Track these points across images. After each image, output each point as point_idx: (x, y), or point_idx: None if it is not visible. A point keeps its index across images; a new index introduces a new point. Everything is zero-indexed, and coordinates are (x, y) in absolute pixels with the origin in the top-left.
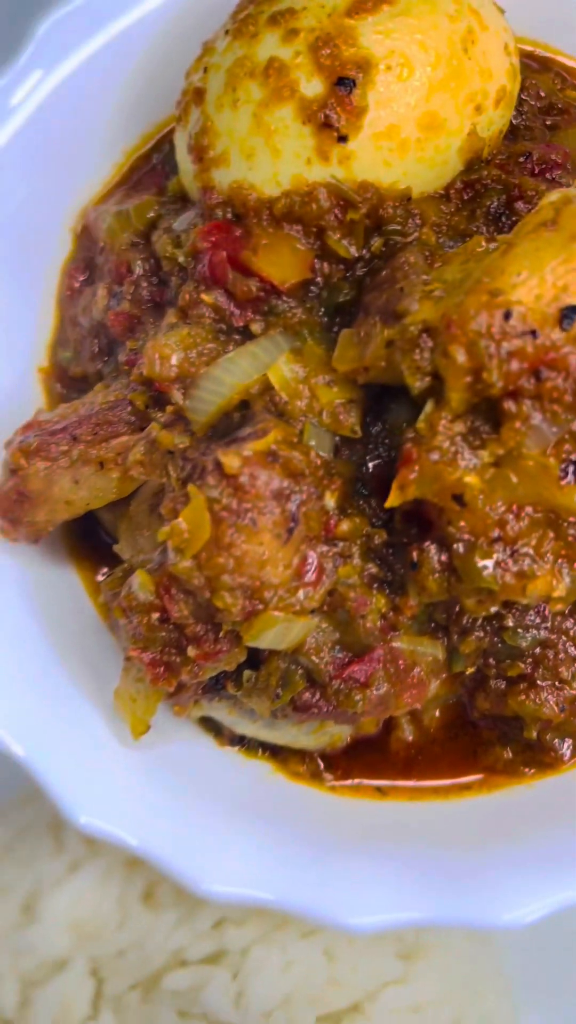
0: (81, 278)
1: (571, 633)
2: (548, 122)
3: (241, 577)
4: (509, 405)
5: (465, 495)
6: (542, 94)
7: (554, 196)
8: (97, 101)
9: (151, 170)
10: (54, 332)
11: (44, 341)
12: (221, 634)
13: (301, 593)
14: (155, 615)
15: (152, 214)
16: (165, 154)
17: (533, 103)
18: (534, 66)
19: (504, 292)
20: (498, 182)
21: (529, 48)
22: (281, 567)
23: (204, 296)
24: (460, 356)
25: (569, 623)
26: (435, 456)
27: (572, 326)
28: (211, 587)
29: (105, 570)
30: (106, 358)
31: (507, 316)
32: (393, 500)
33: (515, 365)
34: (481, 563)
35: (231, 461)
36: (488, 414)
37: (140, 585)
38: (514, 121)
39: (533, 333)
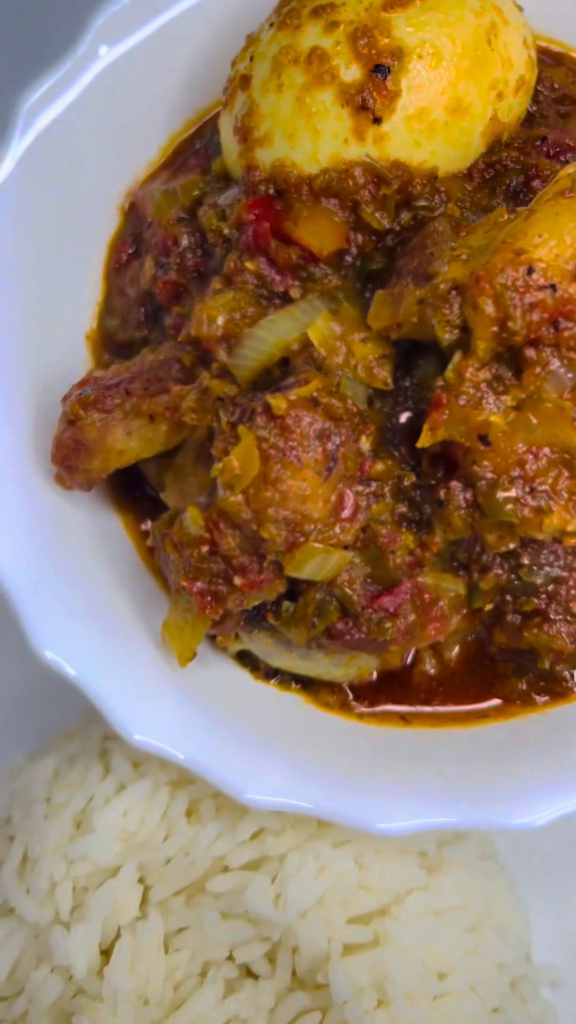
0: (128, 252)
1: None
2: (561, 111)
3: (285, 511)
4: (530, 353)
5: (490, 435)
6: (556, 86)
7: (572, 168)
8: (145, 90)
9: (194, 154)
10: (102, 302)
11: (92, 310)
12: (265, 564)
13: (338, 528)
14: (204, 548)
15: (197, 192)
16: (207, 139)
17: (548, 94)
18: (549, 60)
19: (527, 251)
20: (517, 163)
21: (544, 44)
22: (321, 503)
23: (248, 264)
24: (488, 307)
25: None
26: (463, 400)
27: None
28: (258, 520)
29: (148, 522)
30: (151, 325)
31: (530, 272)
32: (424, 440)
33: (536, 315)
34: (502, 498)
35: (279, 403)
36: (511, 362)
37: (191, 520)
38: (531, 109)
39: (553, 287)
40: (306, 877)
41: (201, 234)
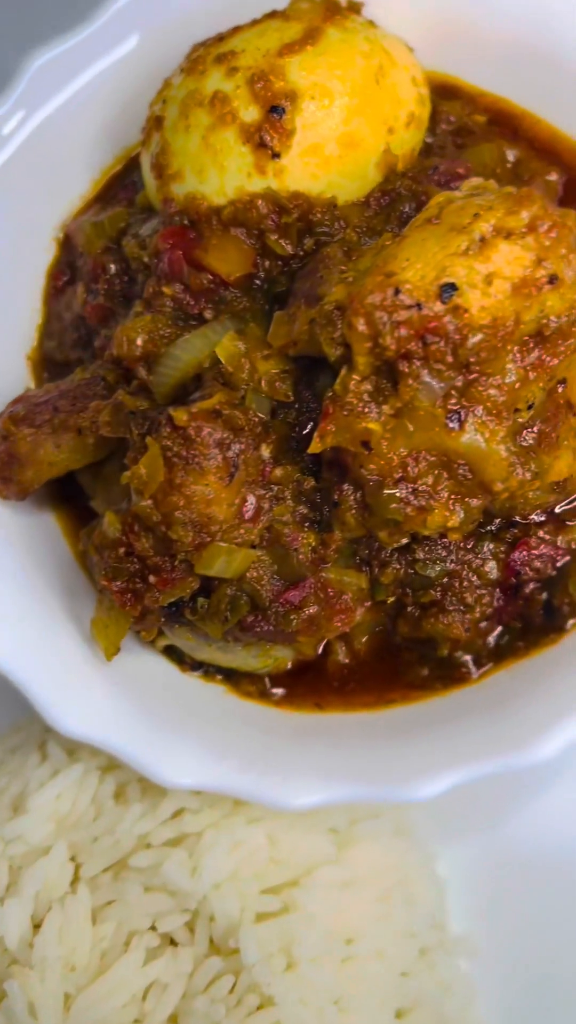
0: (64, 279)
1: (473, 565)
2: (458, 142)
3: (191, 513)
4: (403, 366)
5: (371, 441)
6: (453, 119)
7: (440, 197)
8: (79, 129)
9: (123, 187)
10: (41, 325)
11: (33, 333)
12: (176, 563)
13: (242, 528)
14: (122, 549)
15: (123, 223)
16: (135, 172)
17: (445, 126)
18: (445, 94)
19: (396, 273)
20: (409, 191)
21: (441, 80)
22: (225, 505)
23: (165, 288)
24: (360, 326)
25: (471, 556)
26: (347, 411)
27: (450, 299)
28: (167, 522)
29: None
30: (84, 346)
31: (397, 292)
32: (314, 447)
33: (404, 332)
34: (388, 498)
35: (180, 416)
36: (389, 375)
37: (109, 524)
38: (428, 140)
39: (419, 306)
40: (221, 852)
41: (126, 262)
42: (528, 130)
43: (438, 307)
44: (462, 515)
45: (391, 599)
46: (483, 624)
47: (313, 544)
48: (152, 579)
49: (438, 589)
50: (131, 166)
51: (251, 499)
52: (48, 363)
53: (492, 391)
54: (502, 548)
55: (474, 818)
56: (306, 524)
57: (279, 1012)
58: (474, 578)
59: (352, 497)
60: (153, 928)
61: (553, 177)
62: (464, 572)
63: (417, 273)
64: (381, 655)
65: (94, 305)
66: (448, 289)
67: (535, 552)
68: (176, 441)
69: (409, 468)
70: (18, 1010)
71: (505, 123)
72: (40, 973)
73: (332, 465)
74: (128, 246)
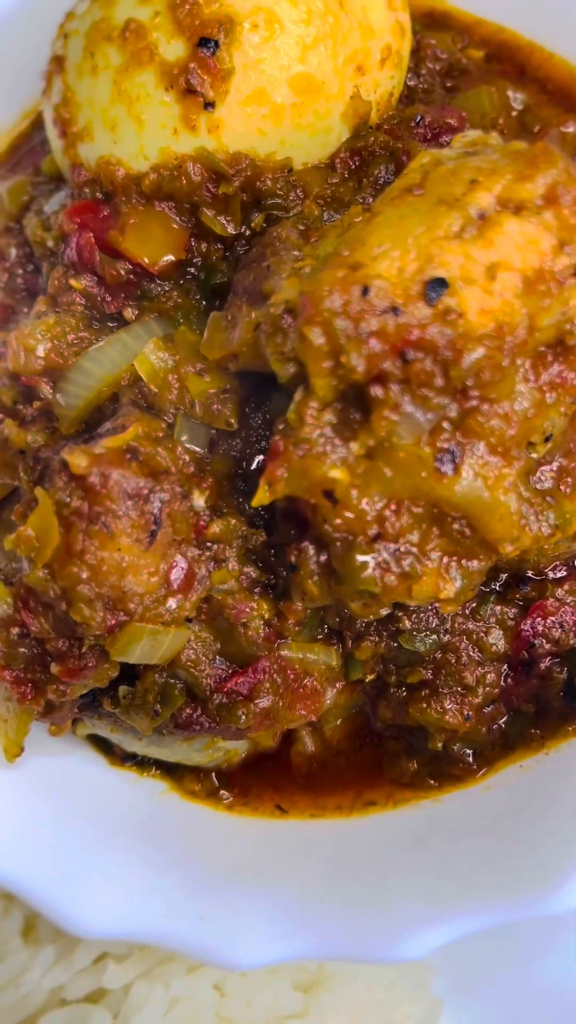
0: None
1: (474, 635)
2: (448, 84)
3: (100, 587)
4: (376, 391)
5: (336, 491)
6: (441, 55)
7: (424, 158)
8: None
9: (30, 150)
10: None
11: None
12: (85, 649)
13: (172, 602)
14: (15, 630)
15: (25, 196)
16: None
17: (431, 64)
18: (432, 24)
19: (364, 265)
20: (386, 148)
21: (427, 5)
22: (145, 574)
23: (73, 281)
24: (316, 338)
25: (471, 624)
26: (303, 450)
27: (438, 300)
28: (67, 599)
29: None
30: None
31: (365, 292)
32: (260, 499)
33: (376, 346)
34: (360, 563)
35: (77, 460)
36: (358, 403)
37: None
38: (411, 84)
39: (395, 310)
40: (154, 1011)
41: (30, 246)
42: (538, 68)
43: (422, 311)
44: (460, 583)
45: (370, 677)
46: (487, 709)
47: (267, 616)
48: (54, 668)
49: (429, 666)
50: (39, 124)
51: (181, 563)
52: None
53: (496, 422)
54: (511, 612)
55: (487, 956)
56: (256, 590)
57: None
58: (475, 652)
59: (314, 560)
60: None
61: (571, 128)
62: (462, 645)
63: (393, 265)
64: (359, 743)
65: None
66: (436, 286)
67: (553, 618)
68: (75, 494)
69: (388, 523)
70: None
71: (508, 60)
72: None
73: (288, 516)
74: (30, 226)
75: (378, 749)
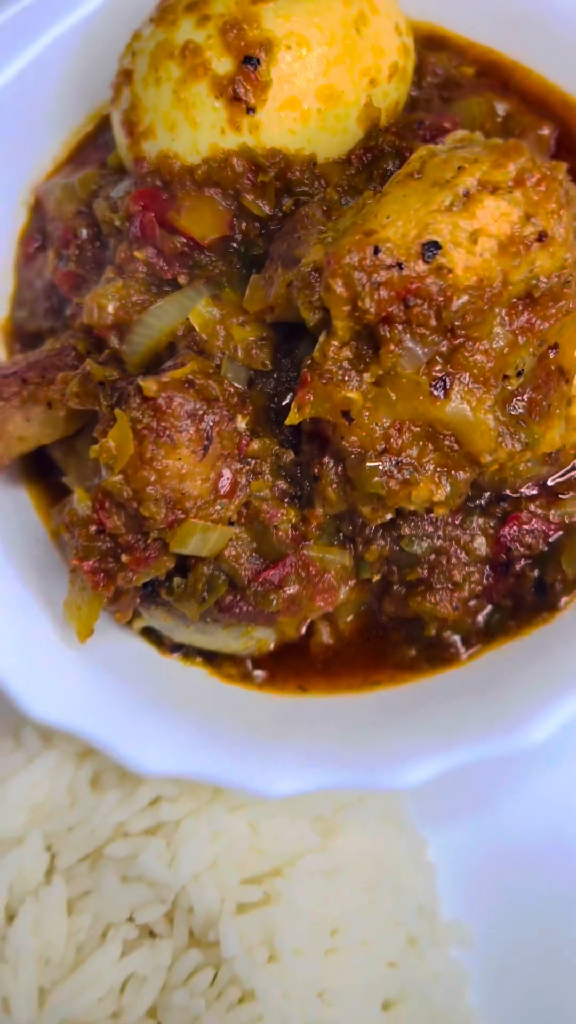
0: (35, 245)
1: (462, 541)
2: (445, 95)
3: (163, 489)
4: (384, 330)
5: (352, 411)
6: (439, 71)
7: (423, 151)
8: (48, 88)
9: (96, 148)
10: (12, 294)
11: (3, 303)
12: (150, 541)
13: (218, 504)
14: (92, 527)
15: (94, 185)
16: (108, 132)
17: (431, 79)
18: (432, 46)
19: (376, 231)
20: (393, 147)
21: (427, 30)
22: (199, 480)
23: (137, 253)
24: (338, 287)
25: (459, 532)
26: (325, 379)
27: (433, 258)
28: (138, 498)
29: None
30: (56, 315)
31: (376, 251)
32: (291, 419)
33: (385, 294)
34: (370, 470)
35: (149, 386)
36: (370, 341)
37: (79, 501)
38: (413, 94)
39: (399, 266)
40: (200, 841)
41: (98, 226)
42: (519, 83)
43: (420, 267)
44: (449, 489)
45: (376, 577)
46: (472, 603)
47: (293, 521)
48: (124, 558)
49: (425, 567)
50: (104, 126)
51: (227, 473)
52: (20, 333)
53: (479, 357)
54: (491, 523)
55: (465, 803)
56: (286, 500)
57: (261, 1006)
58: (462, 555)
59: (333, 471)
60: (131, 919)
61: (545, 131)
62: (452, 549)
63: (398, 231)
64: (367, 635)
65: (65, 272)
66: (431, 248)
67: (526, 527)
68: (146, 413)
69: (392, 440)
70: None
71: (495, 75)
72: (13, 967)
73: (312, 437)
74: (99, 209)
75: (383, 640)
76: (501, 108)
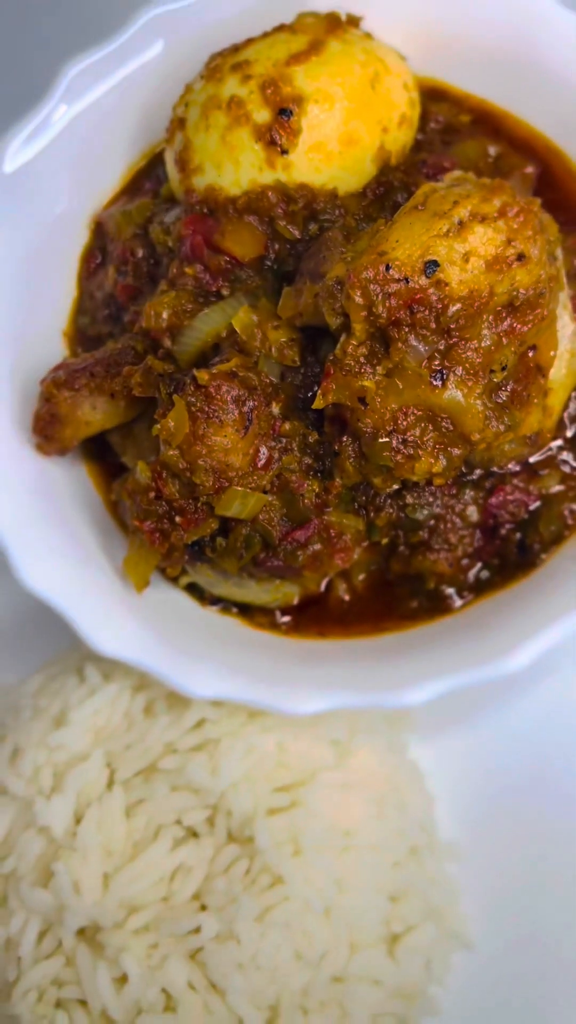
0: (96, 262)
1: (456, 509)
2: (445, 139)
3: (212, 461)
4: (393, 332)
5: (366, 397)
6: (440, 119)
7: (425, 188)
8: (110, 128)
9: (148, 180)
10: (75, 305)
11: (68, 311)
12: (199, 505)
13: (256, 475)
14: (151, 494)
15: (149, 212)
16: (159, 167)
17: (434, 125)
18: (434, 97)
19: (387, 252)
20: (401, 183)
21: (431, 83)
22: (241, 455)
23: (187, 269)
24: (357, 297)
25: (454, 501)
26: (345, 371)
27: (433, 275)
28: (191, 469)
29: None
30: (114, 322)
31: (387, 268)
32: (318, 403)
33: (394, 302)
34: (381, 445)
35: (203, 376)
36: (381, 340)
37: (141, 471)
38: (419, 137)
39: (406, 280)
40: (237, 756)
41: (153, 248)
42: (509, 129)
43: (423, 281)
44: (445, 462)
45: (385, 540)
46: (465, 561)
47: (316, 490)
48: (178, 520)
49: (426, 531)
50: (155, 162)
51: (263, 450)
52: (81, 337)
53: (470, 353)
54: (481, 494)
55: (459, 736)
56: (310, 473)
57: (288, 889)
58: (457, 520)
59: (351, 447)
60: (178, 822)
61: (529, 170)
62: (448, 515)
63: (405, 252)
64: (376, 591)
65: (124, 285)
66: (431, 265)
67: (510, 497)
68: (199, 398)
69: (399, 421)
70: (64, 887)
71: (488, 122)
72: (82, 856)
73: (333, 420)
74: (154, 232)
75: (390, 594)
76: (493, 150)
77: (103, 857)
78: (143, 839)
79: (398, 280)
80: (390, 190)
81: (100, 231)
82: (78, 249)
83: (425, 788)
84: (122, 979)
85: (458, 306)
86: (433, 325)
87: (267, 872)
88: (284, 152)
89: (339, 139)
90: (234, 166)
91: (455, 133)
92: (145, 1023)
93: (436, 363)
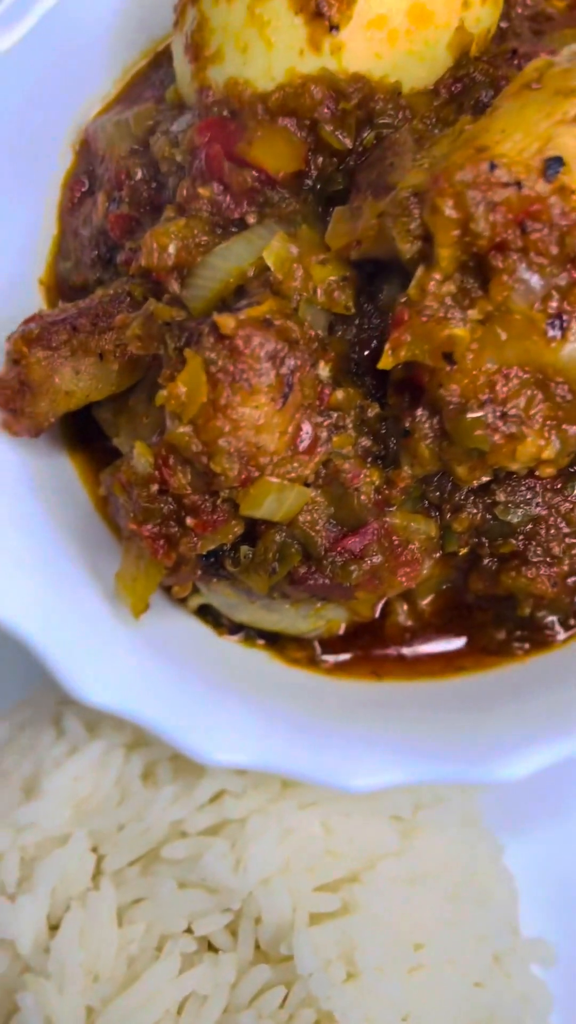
0: (82, 190)
1: (562, 509)
2: (535, 28)
3: (238, 442)
4: (496, 259)
5: (455, 352)
6: (528, 2)
7: (540, 62)
8: (98, 20)
9: (149, 85)
10: (55, 245)
11: (45, 254)
12: (219, 503)
13: (296, 461)
14: (154, 487)
15: (151, 121)
16: (163, 69)
17: (521, 11)
18: None
19: (489, 147)
20: (486, 75)
21: None
22: (277, 433)
23: (201, 189)
24: (447, 208)
25: (559, 499)
26: (426, 316)
27: (556, 177)
28: (208, 452)
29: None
30: (105, 266)
31: (492, 168)
32: (385, 362)
33: (500, 216)
34: (472, 421)
35: (226, 322)
36: (476, 273)
37: (139, 455)
38: (503, 25)
39: (518, 184)
40: (269, 841)
41: (155, 166)
42: None
43: (541, 186)
44: (558, 445)
45: (464, 550)
46: (572, 579)
47: (377, 483)
48: (189, 521)
49: (520, 538)
50: (157, 63)
51: (306, 427)
52: (63, 287)
53: None
54: None
55: (545, 808)
56: (369, 459)
57: None
58: (563, 525)
59: (427, 424)
60: (189, 931)
61: None
62: (552, 518)
63: (516, 146)
64: (449, 616)
65: (117, 215)
66: (554, 164)
67: None
68: (221, 353)
69: (499, 387)
70: None
71: None
72: (58, 983)
73: (403, 387)
74: (157, 145)
75: (468, 621)
76: None
77: (86, 984)
78: (141, 955)
79: (506, 184)
80: (470, 87)
81: (86, 151)
82: (59, 174)
83: (507, 870)
84: None
85: None
86: (554, 250)
87: (311, 1006)
88: (334, 28)
89: (408, 13)
90: (265, 49)
91: (547, 21)
92: None
93: (554, 305)
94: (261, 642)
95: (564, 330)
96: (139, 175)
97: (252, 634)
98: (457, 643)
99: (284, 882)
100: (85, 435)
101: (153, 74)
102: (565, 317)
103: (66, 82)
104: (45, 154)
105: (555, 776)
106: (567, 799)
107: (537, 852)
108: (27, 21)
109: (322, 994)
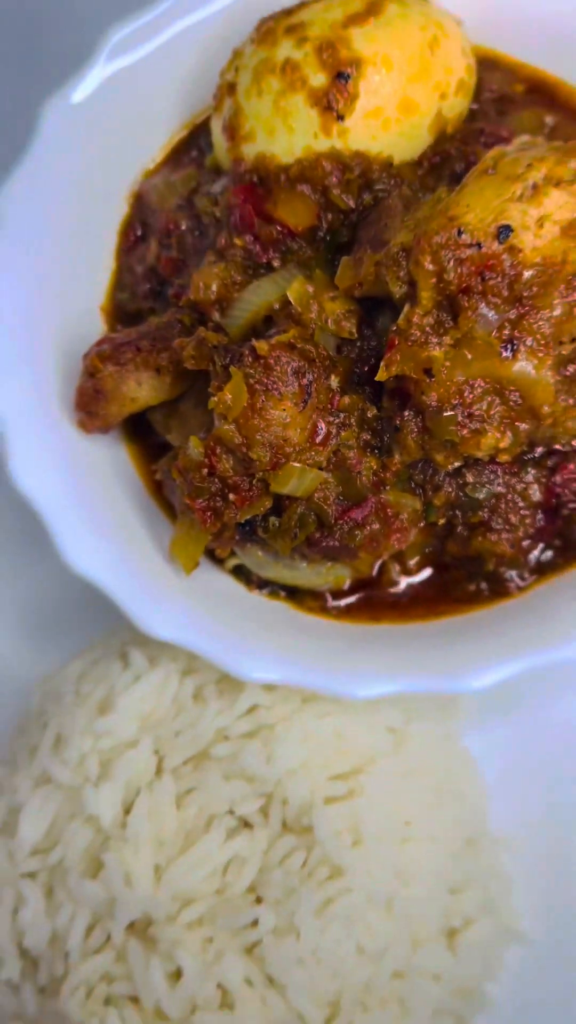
0: (136, 235)
1: (518, 488)
2: (500, 108)
3: (269, 435)
4: (463, 299)
5: (433, 368)
6: (494, 88)
7: (494, 152)
8: (148, 100)
9: (190, 152)
10: (113, 278)
11: (105, 286)
12: (254, 482)
13: (313, 451)
14: (204, 471)
15: (193, 183)
16: (201, 140)
17: (488, 95)
18: (487, 66)
19: (458, 217)
20: (459, 152)
21: (483, 53)
22: (299, 429)
23: (236, 240)
24: (427, 263)
25: (515, 480)
26: (411, 341)
27: (507, 240)
28: (247, 443)
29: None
30: (155, 297)
31: (460, 233)
32: (381, 375)
33: (466, 269)
34: (447, 419)
35: (262, 347)
36: (449, 309)
37: (193, 447)
38: (473, 107)
39: (479, 245)
40: (293, 742)
41: (197, 218)
42: (564, 99)
43: (496, 247)
44: (512, 438)
45: (442, 521)
46: (526, 542)
47: (374, 468)
48: (232, 497)
49: (486, 510)
50: (196, 133)
51: (321, 425)
52: (120, 313)
53: (541, 323)
54: (544, 473)
55: (509, 725)
56: (368, 449)
57: (349, 881)
58: (518, 500)
59: (413, 422)
60: (231, 812)
61: None
62: (509, 495)
63: (477, 216)
64: (431, 573)
65: (168, 258)
66: (505, 231)
67: (574, 476)
68: (258, 370)
69: (466, 394)
70: (115, 879)
71: (542, 91)
72: (133, 847)
73: (394, 394)
74: (200, 202)
75: (445, 577)
76: (550, 120)
77: (154, 848)
78: (195, 829)
79: (470, 245)
80: (447, 159)
81: (140, 204)
82: (116, 222)
83: (479, 778)
84: (175, 975)
85: (531, 273)
86: (505, 293)
87: (326, 864)
88: (341, 118)
89: (397, 105)
90: (287, 132)
91: (509, 103)
92: (200, 1020)
93: (506, 333)
94: (283, 595)
95: (514, 352)
96: (184, 226)
97: (276, 588)
98: (438, 593)
99: (305, 773)
100: (140, 433)
101: (192, 142)
102: (515, 342)
103: (122, 149)
104: (105, 206)
105: (523, 693)
106: (532, 713)
107: (503, 758)
108: (89, 101)
109: (335, 855)
